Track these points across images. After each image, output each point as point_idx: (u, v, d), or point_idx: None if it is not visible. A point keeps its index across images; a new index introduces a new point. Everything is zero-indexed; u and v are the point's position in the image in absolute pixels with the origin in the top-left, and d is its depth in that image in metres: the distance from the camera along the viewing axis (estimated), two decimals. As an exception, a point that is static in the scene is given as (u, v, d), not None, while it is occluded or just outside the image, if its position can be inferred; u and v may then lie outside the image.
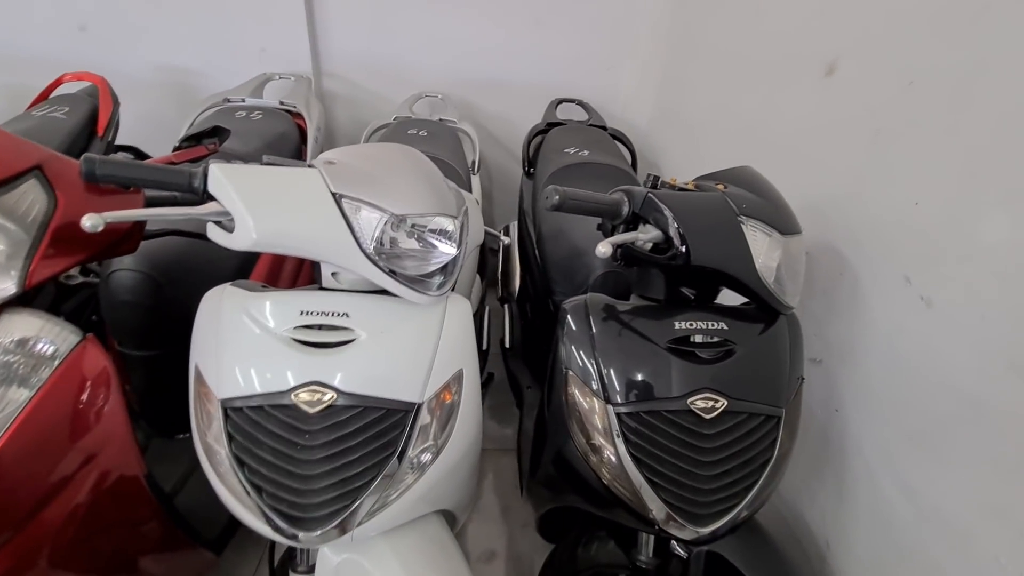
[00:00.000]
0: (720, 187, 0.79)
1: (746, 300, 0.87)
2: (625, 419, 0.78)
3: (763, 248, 0.76)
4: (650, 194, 0.75)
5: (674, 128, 1.93)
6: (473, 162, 1.75)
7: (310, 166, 0.73)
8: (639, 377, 0.79)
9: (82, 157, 0.68)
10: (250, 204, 0.66)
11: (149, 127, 1.65)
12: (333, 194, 0.70)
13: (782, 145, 1.20)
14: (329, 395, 0.72)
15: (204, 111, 1.69)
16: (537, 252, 1.52)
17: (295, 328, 0.75)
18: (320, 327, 0.76)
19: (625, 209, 0.77)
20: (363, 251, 0.71)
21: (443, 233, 0.77)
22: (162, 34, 1.93)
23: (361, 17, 2.01)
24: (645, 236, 0.73)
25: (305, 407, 0.71)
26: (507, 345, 1.59)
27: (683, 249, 0.72)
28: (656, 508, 0.77)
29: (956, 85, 0.75)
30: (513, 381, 1.55)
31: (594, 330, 0.83)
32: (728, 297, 0.86)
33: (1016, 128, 0.67)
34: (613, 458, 0.79)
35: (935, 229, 0.77)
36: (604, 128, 1.93)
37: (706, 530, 0.77)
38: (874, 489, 0.84)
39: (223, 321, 0.76)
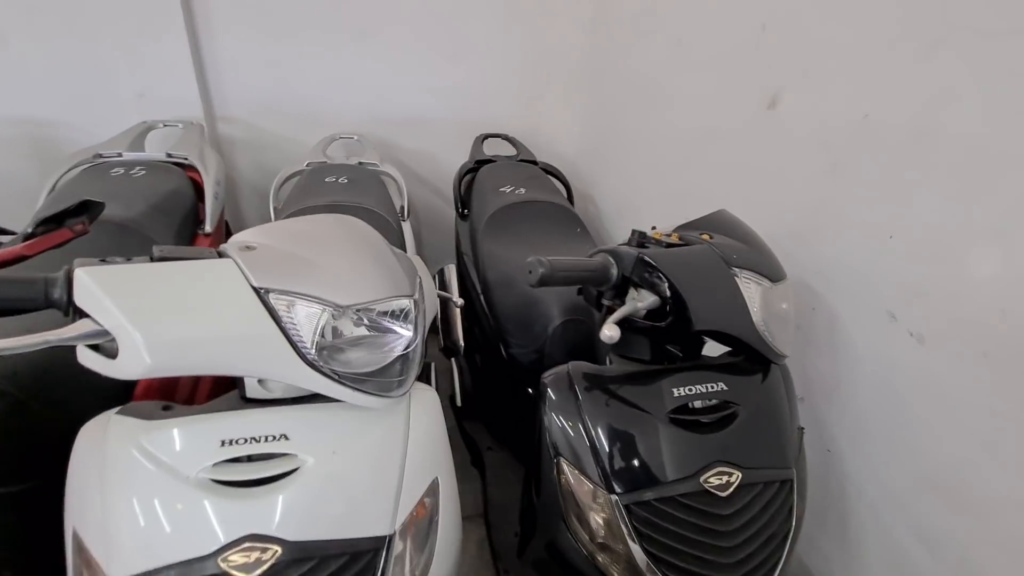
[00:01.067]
0: (705, 237, 0.72)
1: (728, 349, 0.80)
2: (635, 510, 0.67)
3: (757, 299, 0.70)
4: (642, 256, 0.66)
5: (605, 159, 1.92)
6: (402, 207, 1.61)
7: (220, 254, 0.56)
8: (644, 458, 0.69)
9: None
10: (136, 317, 0.49)
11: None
12: (256, 289, 0.54)
13: (726, 177, 1.18)
14: (272, 551, 0.55)
15: (69, 170, 1.41)
16: (484, 300, 1.40)
17: (215, 466, 0.57)
18: (250, 458, 0.58)
19: (614, 273, 0.68)
20: (302, 356, 0.56)
21: (398, 315, 0.63)
22: (11, 79, 1.63)
23: (259, 53, 1.82)
24: (643, 304, 0.64)
25: (240, 574, 0.54)
26: (458, 404, 1.44)
27: (686, 316, 0.64)
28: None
29: (915, 116, 0.74)
30: (469, 441, 1.41)
31: (583, 406, 0.72)
32: (711, 347, 0.79)
33: (989, 155, 0.66)
34: (625, 558, 0.68)
35: (916, 263, 0.75)
36: (535, 163, 1.87)
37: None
38: (886, 537, 0.79)
39: (109, 465, 0.57)
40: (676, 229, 0.82)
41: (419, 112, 2.04)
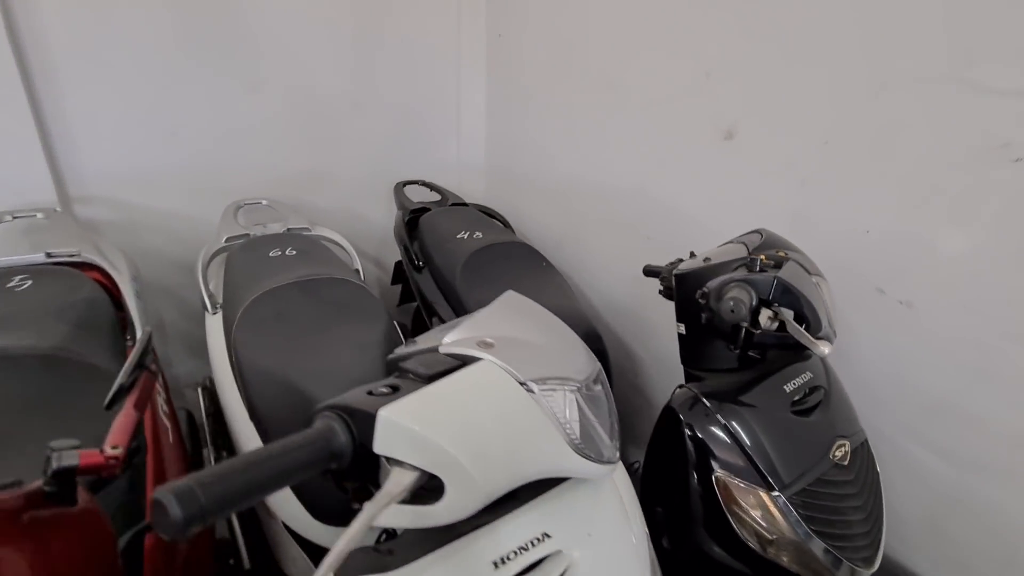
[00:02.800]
0: (782, 254, 0.86)
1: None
2: (795, 500, 0.77)
3: (825, 297, 0.86)
4: (779, 278, 0.76)
5: (523, 192, 2.02)
6: (356, 271, 1.49)
7: (473, 358, 0.51)
8: (789, 451, 0.79)
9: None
10: (463, 449, 0.43)
11: None
12: (523, 384, 0.51)
13: (685, 200, 1.38)
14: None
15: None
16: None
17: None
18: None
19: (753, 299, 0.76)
20: (571, 444, 0.54)
21: (598, 379, 0.64)
22: None
23: (121, 118, 1.52)
24: (791, 320, 0.74)
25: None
26: None
27: (820, 325, 0.76)
28: (841, 570, 0.78)
29: (871, 141, 1.00)
30: None
31: (724, 418, 0.80)
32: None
33: (935, 164, 0.92)
34: (795, 545, 0.77)
35: (894, 248, 0.99)
36: (466, 205, 1.89)
37: (875, 568, 0.82)
38: (906, 457, 1.02)
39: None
40: (725, 244, 0.95)
41: (325, 167, 1.91)
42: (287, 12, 1.65)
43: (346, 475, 0.43)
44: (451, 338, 0.54)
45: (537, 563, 0.54)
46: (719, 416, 0.80)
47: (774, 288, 0.76)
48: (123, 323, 1.15)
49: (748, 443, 0.79)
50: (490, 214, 1.86)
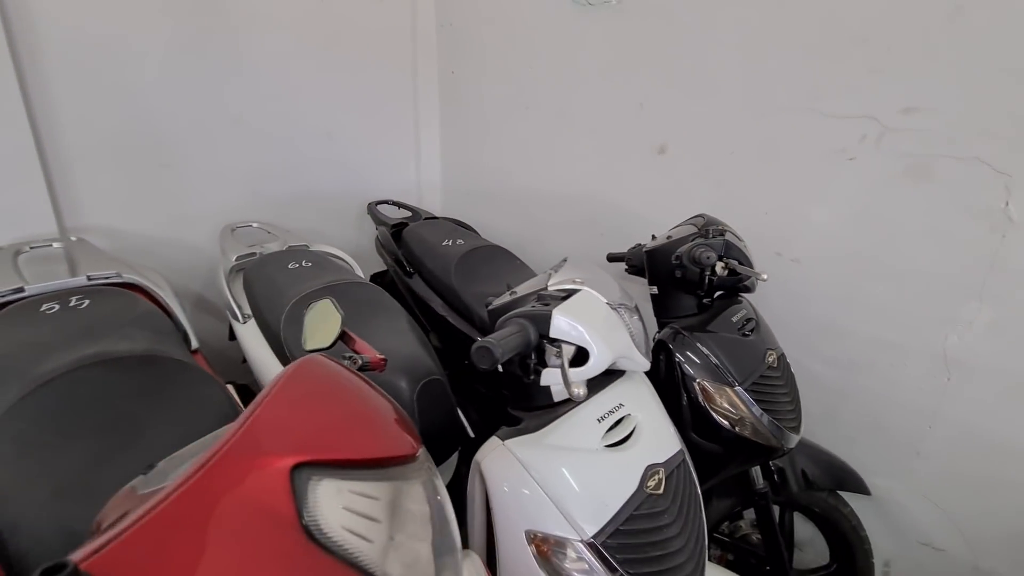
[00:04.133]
0: (721, 228, 1.25)
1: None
2: (750, 391, 1.15)
3: (749, 254, 1.27)
4: (727, 240, 1.14)
5: (480, 205, 2.33)
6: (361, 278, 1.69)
7: (575, 290, 0.81)
8: (742, 360, 1.17)
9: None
10: (595, 333, 0.73)
11: None
12: (609, 304, 0.82)
13: (632, 199, 1.77)
14: (660, 470, 0.83)
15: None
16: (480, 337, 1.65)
17: (604, 435, 0.81)
18: (615, 424, 0.84)
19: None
20: (632, 340, 0.85)
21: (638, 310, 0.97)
22: None
23: (120, 151, 1.61)
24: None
25: (653, 491, 0.80)
26: None
27: (753, 266, 1.15)
28: (781, 435, 1.17)
29: (760, 151, 1.44)
30: None
31: (699, 344, 1.16)
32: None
33: (803, 166, 1.38)
34: (751, 423, 1.14)
35: (784, 223, 1.44)
36: (436, 218, 2.15)
37: (800, 435, 1.22)
38: (805, 368, 1.45)
39: (537, 467, 0.75)
40: (677, 227, 1.33)
41: (303, 190, 2.08)
42: (268, 55, 1.84)
43: (527, 357, 0.71)
44: (554, 282, 0.84)
45: (619, 422, 0.85)
46: (697, 343, 1.16)
47: (724, 247, 1.14)
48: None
49: (715, 357, 1.15)
50: (461, 224, 2.14)
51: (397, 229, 2.00)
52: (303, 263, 1.57)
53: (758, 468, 1.29)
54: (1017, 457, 1.20)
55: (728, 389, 1.14)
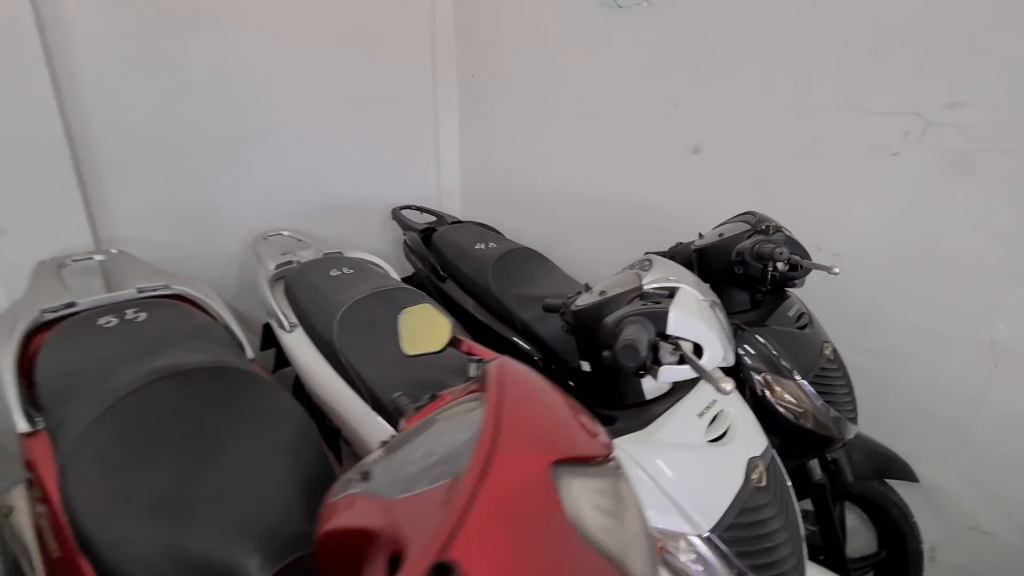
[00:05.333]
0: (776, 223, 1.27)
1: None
2: (812, 383, 1.17)
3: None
4: (790, 236, 1.16)
5: (500, 208, 2.33)
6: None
7: (675, 288, 0.82)
8: (803, 354, 1.19)
9: None
10: (709, 330, 0.74)
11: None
12: (704, 300, 0.83)
13: (658, 202, 1.79)
14: (761, 462, 0.84)
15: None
16: (523, 336, 1.65)
17: (706, 430, 0.82)
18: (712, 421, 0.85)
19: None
20: (727, 336, 0.87)
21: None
22: None
23: (151, 163, 1.58)
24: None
25: (757, 484, 0.81)
26: None
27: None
28: (840, 424, 1.19)
29: (800, 149, 1.47)
30: None
31: (760, 339, 1.18)
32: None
33: (845, 163, 1.41)
34: (813, 409, 1.16)
35: (824, 217, 1.46)
36: (461, 222, 2.15)
37: (857, 426, 1.24)
38: (849, 361, 1.49)
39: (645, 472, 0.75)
40: (726, 224, 1.35)
41: (328, 199, 2.06)
42: (294, 65, 1.82)
43: (642, 353, 0.72)
44: (648, 280, 0.85)
45: (715, 418, 0.86)
46: (757, 337, 1.18)
47: (787, 243, 1.17)
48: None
49: (776, 350, 1.17)
50: (487, 227, 2.14)
51: (426, 233, 2.00)
52: (344, 270, 1.56)
53: (816, 460, 1.31)
54: (1066, 439, 1.24)
55: (791, 382, 1.16)
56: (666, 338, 0.77)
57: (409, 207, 2.21)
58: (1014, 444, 1.31)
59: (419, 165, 2.35)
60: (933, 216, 1.31)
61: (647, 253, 1.51)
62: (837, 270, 1.12)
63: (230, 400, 0.97)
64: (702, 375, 0.65)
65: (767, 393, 1.16)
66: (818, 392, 1.17)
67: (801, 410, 1.16)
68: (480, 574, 0.26)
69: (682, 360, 0.70)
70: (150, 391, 0.92)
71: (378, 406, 1.23)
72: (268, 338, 1.64)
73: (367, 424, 1.24)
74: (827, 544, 1.35)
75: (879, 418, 1.49)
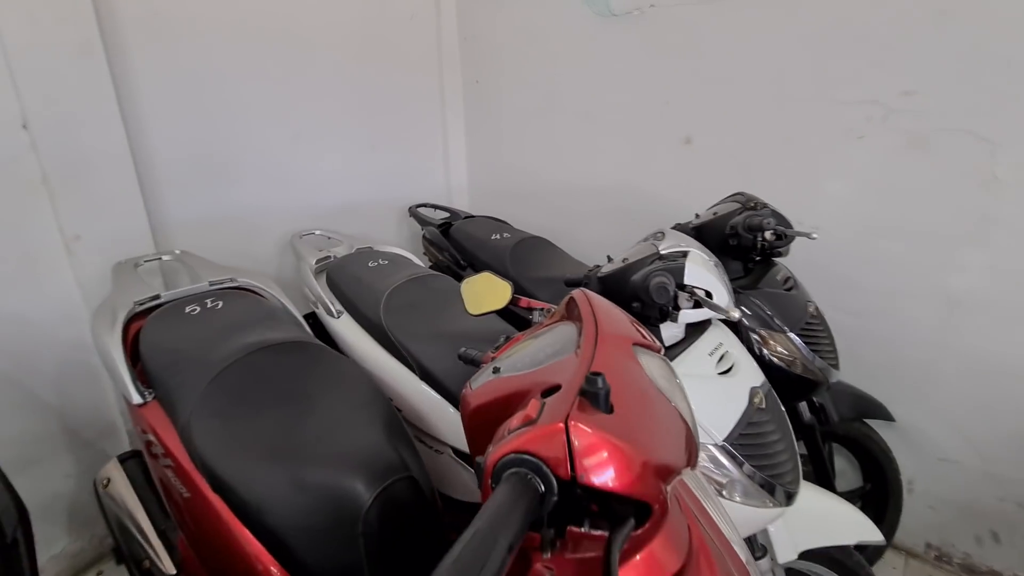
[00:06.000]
0: (761, 200, 1.47)
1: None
2: (799, 334, 1.37)
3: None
4: (776, 212, 1.36)
5: (506, 202, 2.52)
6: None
7: (686, 251, 1.01)
8: (791, 310, 1.39)
9: None
10: (716, 280, 0.93)
11: None
12: (710, 259, 1.03)
13: (655, 189, 1.99)
14: (760, 391, 1.03)
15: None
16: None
17: (716, 365, 1.01)
18: (720, 359, 1.04)
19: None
20: (727, 289, 1.06)
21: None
22: None
23: (197, 172, 1.74)
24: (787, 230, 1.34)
25: (759, 407, 1.01)
26: None
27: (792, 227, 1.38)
28: (826, 370, 1.39)
29: (781, 137, 1.68)
30: None
31: (755, 300, 1.38)
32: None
33: (822, 147, 1.62)
34: (802, 357, 1.36)
35: (804, 197, 1.67)
36: (474, 216, 2.33)
37: (840, 372, 1.44)
38: (831, 320, 1.70)
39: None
40: (719, 204, 1.55)
41: (349, 199, 2.23)
42: (318, 74, 1.99)
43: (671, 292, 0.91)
44: (664, 246, 1.04)
45: (722, 357, 1.05)
46: (751, 298, 1.38)
47: (772, 216, 1.37)
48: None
49: (768, 308, 1.37)
50: (498, 220, 2.32)
51: (444, 228, 2.17)
52: (380, 261, 1.73)
53: (805, 404, 1.51)
54: (1017, 374, 1.46)
55: (782, 335, 1.36)
56: (683, 288, 0.96)
57: (425, 205, 2.39)
58: (971, 382, 1.53)
59: (430, 166, 2.52)
60: (894, 189, 1.53)
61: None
62: (815, 235, 1.33)
63: (313, 368, 1.14)
64: (715, 309, 0.84)
65: (763, 348, 1.36)
66: (806, 342, 1.37)
67: (791, 359, 1.36)
68: (614, 384, 0.43)
69: (697, 305, 0.89)
70: (248, 361, 1.09)
71: (426, 376, 1.40)
72: (313, 327, 1.81)
73: (417, 394, 1.41)
74: (819, 479, 1.56)
75: (859, 367, 1.70)
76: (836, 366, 1.44)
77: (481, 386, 0.59)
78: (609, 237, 2.19)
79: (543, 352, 0.58)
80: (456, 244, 2.10)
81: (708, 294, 0.95)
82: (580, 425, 0.39)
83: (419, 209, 2.35)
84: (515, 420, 0.42)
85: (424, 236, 2.21)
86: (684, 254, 0.99)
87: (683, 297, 0.93)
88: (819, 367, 1.38)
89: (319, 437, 0.98)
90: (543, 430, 0.39)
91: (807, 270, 1.67)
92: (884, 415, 1.61)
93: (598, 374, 0.41)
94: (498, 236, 2.06)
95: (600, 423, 0.40)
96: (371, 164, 2.27)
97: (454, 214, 2.35)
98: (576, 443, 0.38)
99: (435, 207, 2.40)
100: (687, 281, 0.94)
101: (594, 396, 0.42)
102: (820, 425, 1.53)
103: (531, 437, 0.39)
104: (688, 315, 0.94)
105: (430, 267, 2.21)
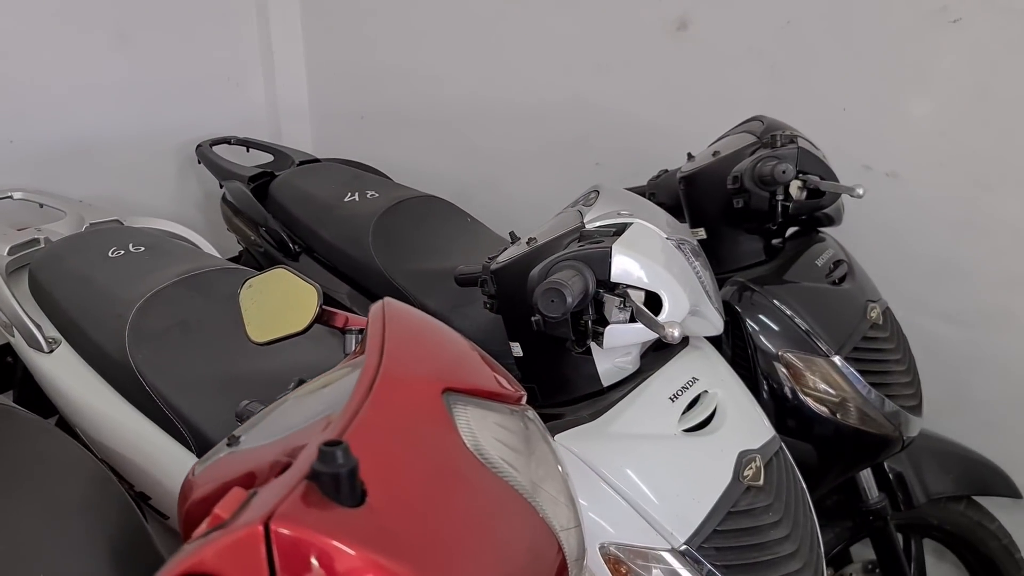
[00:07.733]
0: (789, 134, 1.57)
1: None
2: (850, 359, 1.48)
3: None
4: (800, 148, 1.46)
5: (382, 137, 2.57)
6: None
7: (625, 224, 1.09)
8: (836, 317, 1.50)
9: None
10: (668, 273, 1.01)
11: None
12: (668, 240, 1.11)
13: (631, 109, 2.09)
14: (757, 456, 1.12)
15: None
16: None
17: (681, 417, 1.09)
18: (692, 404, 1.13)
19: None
20: (702, 287, 1.14)
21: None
22: None
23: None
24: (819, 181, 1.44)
25: (752, 483, 1.09)
26: None
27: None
28: (900, 419, 1.51)
29: (830, 18, 1.79)
30: None
31: (776, 302, 1.48)
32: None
33: (894, 38, 1.73)
34: (854, 402, 1.47)
35: (871, 122, 1.79)
36: (317, 160, 2.36)
37: (922, 416, 1.57)
38: (916, 332, 1.81)
39: (608, 465, 1.02)
40: (725, 138, 1.65)
41: (73, 131, 2.22)
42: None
43: (582, 314, 0.97)
44: (591, 217, 1.11)
45: (696, 400, 1.14)
46: (773, 300, 1.47)
47: (799, 158, 1.46)
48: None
49: (799, 317, 1.47)
50: (362, 167, 2.36)
51: (260, 182, 2.19)
52: (129, 248, 1.74)
53: (869, 474, 1.62)
54: None
55: (822, 360, 1.46)
56: (612, 288, 0.99)
57: (226, 140, 2.40)
58: None
59: (237, 71, 2.54)
60: (1017, 104, 1.65)
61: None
62: (860, 191, 1.43)
63: None
64: (646, 322, 0.90)
65: (790, 380, 1.46)
66: (861, 373, 1.48)
67: (837, 400, 1.46)
68: (377, 462, 0.48)
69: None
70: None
71: (204, 447, 1.43)
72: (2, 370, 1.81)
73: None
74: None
75: (966, 410, 1.84)
76: (917, 408, 1.55)
77: (206, 469, 0.63)
78: (558, 194, 2.26)
79: (313, 407, 0.62)
80: (280, 210, 2.12)
81: (655, 298, 1.03)
82: (283, 529, 0.43)
83: (215, 149, 2.36)
84: (205, 522, 0.46)
85: (224, 198, 2.22)
86: (619, 230, 1.06)
87: (612, 303, 0.99)
88: (889, 413, 1.49)
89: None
90: (230, 538, 0.43)
91: (876, 245, 1.79)
92: (1007, 490, 1.74)
93: (336, 443, 0.46)
94: (355, 196, 2.09)
95: (333, 523, 0.45)
96: (118, 69, 2.26)
97: (281, 156, 2.37)
98: (279, 558, 0.43)
99: (247, 144, 2.42)
100: (616, 277, 1.00)
101: (330, 479, 0.46)
102: (895, 509, 1.64)
103: (213, 550, 0.43)
104: (620, 334, 1.00)
105: (235, 257, 2.23)
